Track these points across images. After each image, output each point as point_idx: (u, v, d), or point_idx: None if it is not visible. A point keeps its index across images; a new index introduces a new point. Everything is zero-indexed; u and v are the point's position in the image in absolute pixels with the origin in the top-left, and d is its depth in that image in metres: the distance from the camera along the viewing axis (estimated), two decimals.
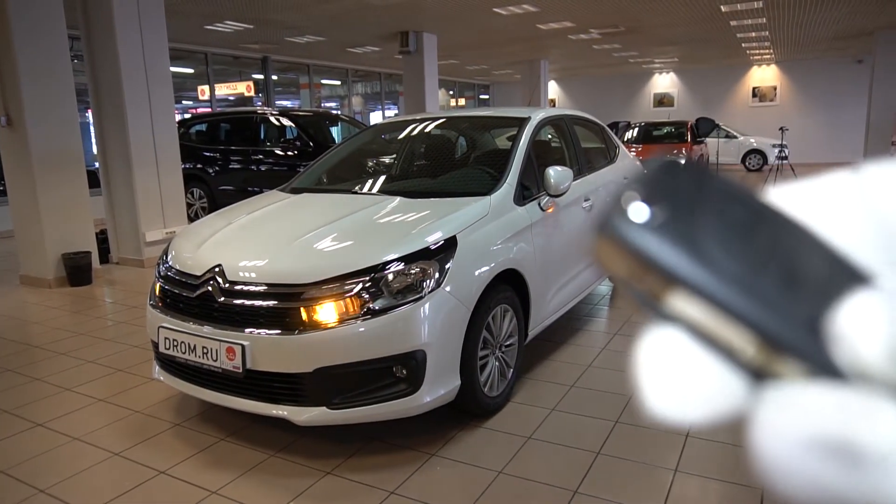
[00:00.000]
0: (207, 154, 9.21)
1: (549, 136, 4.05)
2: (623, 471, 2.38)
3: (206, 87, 13.27)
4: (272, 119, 9.09)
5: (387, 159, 4.12)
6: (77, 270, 5.74)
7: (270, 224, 2.93)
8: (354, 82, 17.85)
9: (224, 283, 2.49)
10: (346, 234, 2.63)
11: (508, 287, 2.91)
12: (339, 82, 17.30)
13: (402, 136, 4.07)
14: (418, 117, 4.09)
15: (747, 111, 19.44)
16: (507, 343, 2.95)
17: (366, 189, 3.36)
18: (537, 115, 3.74)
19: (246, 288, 2.44)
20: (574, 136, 4.13)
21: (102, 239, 6.68)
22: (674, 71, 20.35)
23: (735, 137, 16.64)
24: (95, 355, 3.84)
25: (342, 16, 9.66)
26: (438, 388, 2.47)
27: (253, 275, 2.46)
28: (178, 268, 2.72)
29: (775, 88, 19.04)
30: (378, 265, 2.41)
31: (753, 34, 12.74)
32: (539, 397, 3.05)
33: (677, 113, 19.89)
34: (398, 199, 3.07)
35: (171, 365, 2.68)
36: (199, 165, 9.19)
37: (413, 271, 2.43)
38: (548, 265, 3.28)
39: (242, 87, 15.22)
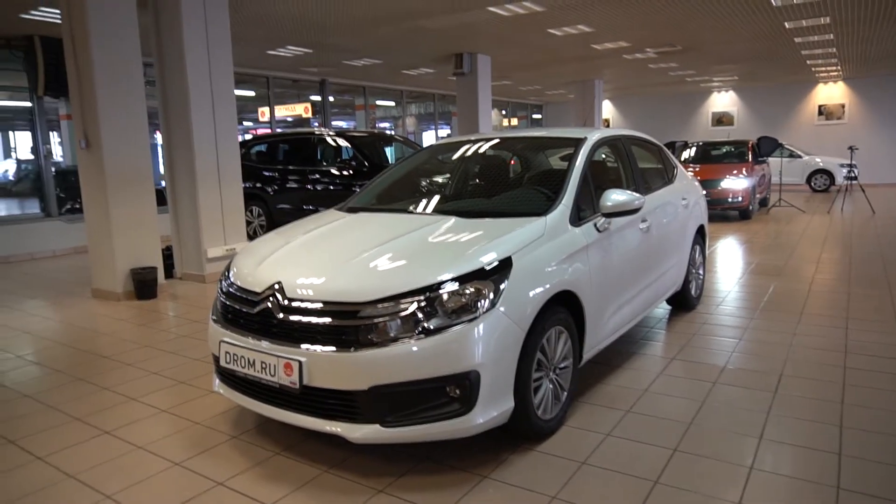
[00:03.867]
0: (266, 174, 9.52)
1: (604, 157, 4.01)
2: (682, 502, 2.29)
3: (266, 109, 13.78)
4: (329, 140, 9.33)
5: (441, 179, 4.16)
6: (143, 285, 6.00)
7: (328, 243, 3.00)
8: (408, 103, 18.16)
9: (283, 300, 2.55)
10: (401, 254, 2.66)
11: (563, 309, 2.87)
12: (393, 103, 17.63)
13: (456, 156, 4.11)
14: (473, 138, 4.12)
15: (812, 130, 18.74)
16: (562, 366, 2.91)
17: (421, 209, 3.40)
18: (593, 136, 3.72)
19: (304, 305, 2.49)
20: (631, 156, 4.07)
21: (168, 255, 6.97)
22: (733, 89, 19.86)
23: (799, 157, 16.05)
24: (159, 367, 3.99)
25: (397, 39, 9.88)
26: (491, 409, 2.45)
27: (311, 292, 2.51)
28: (239, 284, 2.80)
29: (843, 106, 18.29)
30: (433, 285, 2.42)
31: (819, 51, 12.31)
32: (594, 422, 2.98)
33: (737, 132, 19.36)
34: (453, 218, 3.09)
35: (231, 379, 2.75)
36: (258, 185, 9.51)
37: (468, 291, 2.44)
38: (604, 287, 3.23)
39: (300, 109, 15.73)
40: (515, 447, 2.74)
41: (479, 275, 2.49)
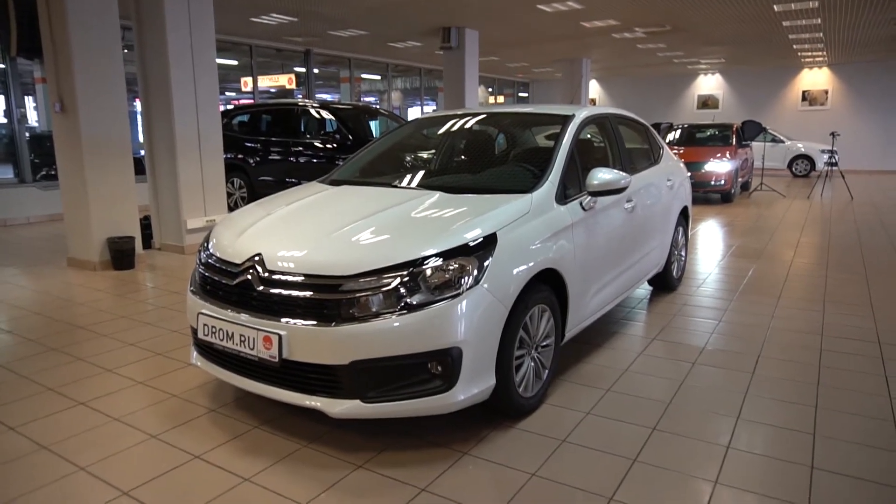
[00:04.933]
0: (248, 145, 9.34)
1: (591, 135, 3.98)
2: (660, 480, 2.31)
3: (248, 79, 13.49)
4: (312, 112, 9.16)
5: (426, 154, 4.10)
6: (121, 255, 5.89)
7: (310, 215, 2.94)
8: (394, 77, 17.91)
9: (263, 273, 2.50)
10: (384, 228, 2.62)
11: (547, 287, 2.86)
12: (378, 77, 17.38)
13: (442, 131, 4.05)
14: (459, 112, 4.06)
15: (796, 115, 18.87)
16: (544, 344, 2.91)
17: (405, 183, 3.35)
18: (581, 114, 3.68)
19: (284, 278, 2.45)
20: (618, 135, 4.04)
21: (146, 225, 6.84)
22: (719, 72, 19.88)
23: (782, 142, 16.18)
24: (136, 338, 3.92)
25: (384, 9, 9.69)
26: (473, 386, 2.44)
27: (291, 265, 2.46)
28: (218, 255, 2.74)
29: (826, 92, 18.42)
30: (416, 260, 2.39)
31: (806, 35, 12.34)
32: (574, 400, 3.00)
33: (722, 115, 19.44)
34: (438, 194, 3.05)
35: (209, 351, 2.71)
36: (239, 156, 9.34)
37: (451, 267, 2.41)
38: (588, 266, 3.22)
39: (284, 80, 15.44)
40: (496, 424, 2.75)
41: (463, 251, 2.46)
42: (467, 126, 4.03)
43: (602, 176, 3.16)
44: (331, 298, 2.35)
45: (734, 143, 11.25)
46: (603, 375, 3.30)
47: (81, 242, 5.96)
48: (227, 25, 10.83)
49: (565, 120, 3.55)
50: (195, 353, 2.84)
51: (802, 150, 16.07)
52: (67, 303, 4.78)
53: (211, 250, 2.83)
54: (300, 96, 14.57)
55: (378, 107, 15.54)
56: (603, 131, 4.01)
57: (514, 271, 2.59)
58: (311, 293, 2.39)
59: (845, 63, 17.80)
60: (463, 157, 3.91)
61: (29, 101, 10.18)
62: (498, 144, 3.87)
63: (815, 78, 18.54)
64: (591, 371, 3.36)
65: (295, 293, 2.41)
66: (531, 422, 2.78)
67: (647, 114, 19.03)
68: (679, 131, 12.17)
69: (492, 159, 3.67)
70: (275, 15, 10.01)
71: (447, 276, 2.39)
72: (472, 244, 2.49)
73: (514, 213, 2.77)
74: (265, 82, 15.44)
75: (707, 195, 11.31)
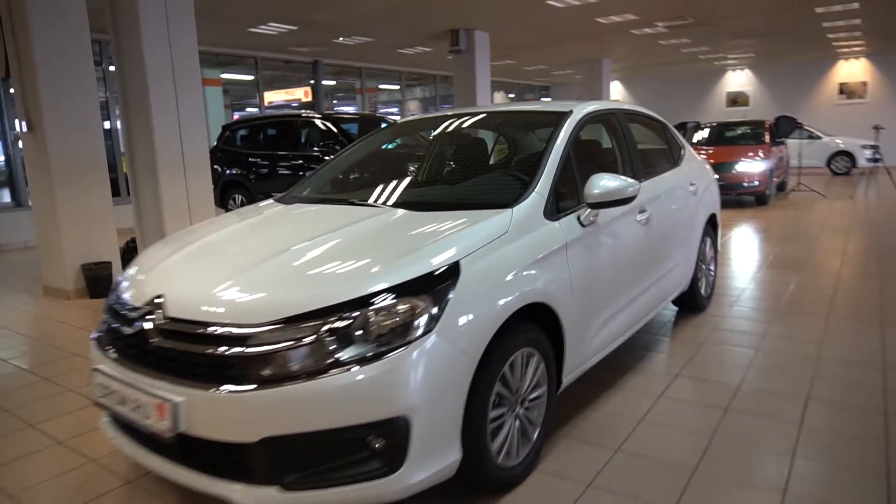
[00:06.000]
0: (249, 159, 8.95)
1: (595, 135, 3.38)
2: None
3: (265, 94, 13.22)
4: (314, 123, 8.72)
5: (400, 163, 3.56)
6: (96, 282, 5.47)
7: (239, 242, 2.41)
8: (410, 86, 17.50)
9: (162, 319, 1.97)
10: (316, 260, 2.07)
11: (534, 325, 2.28)
12: (396, 87, 16.96)
13: (421, 136, 3.50)
14: (441, 115, 3.50)
15: (832, 110, 17.84)
16: (533, 396, 2.32)
17: (368, 199, 2.79)
18: (582, 110, 3.09)
19: (184, 327, 1.91)
20: (628, 134, 3.44)
21: (133, 248, 6.43)
22: (749, 67, 18.95)
23: (819, 138, 15.19)
24: (78, 382, 3.44)
25: (386, 13, 9.21)
26: (430, 464, 1.87)
27: (193, 309, 1.93)
28: (119, 295, 2.22)
29: (865, 84, 17.36)
30: (349, 302, 1.83)
31: (842, 23, 11.47)
32: (573, 465, 2.39)
33: (753, 112, 18.49)
34: (401, 212, 2.49)
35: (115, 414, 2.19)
36: (240, 171, 8.95)
37: (397, 310, 1.84)
38: (590, 295, 2.62)
39: (300, 93, 15.16)
40: (474, 499, 2.16)
41: (413, 287, 1.89)
42: (449, 130, 3.46)
43: (604, 184, 2.56)
44: (236, 355, 1.80)
45: (767, 140, 10.45)
46: (612, 428, 2.68)
47: (55, 269, 5.56)
48: (228, 38, 10.49)
49: (560, 117, 2.96)
50: (105, 416, 2.32)
51: (842, 146, 15.07)
52: (22, 339, 4.34)
53: (118, 289, 2.32)
54: (294, 107, 14.25)
55: (394, 116, 15.14)
56: (610, 130, 3.41)
57: (486, 309, 2.01)
58: (214, 347, 1.84)
59: (885, 53, 16.74)
60: (441, 165, 3.34)
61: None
62: (483, 150, 3.29)
63: (853, 69, 17.50)
64: (597, 422, 2.74)
65: (195, 347, 1.88)
66: (516, 497, 2.18)
67: (673, 114, 18.21)
68: (707, 130, 11.40)
69: (473, 168, 3.09)
70: (273, 24, 9.62)
71: (391, 321, 1.83)
72: (425, 278, 1.93)
73: (487, 234, 2.20)
74: (281, 96, 15.19)
75: (740, 198, 10.52)
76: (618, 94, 21.36)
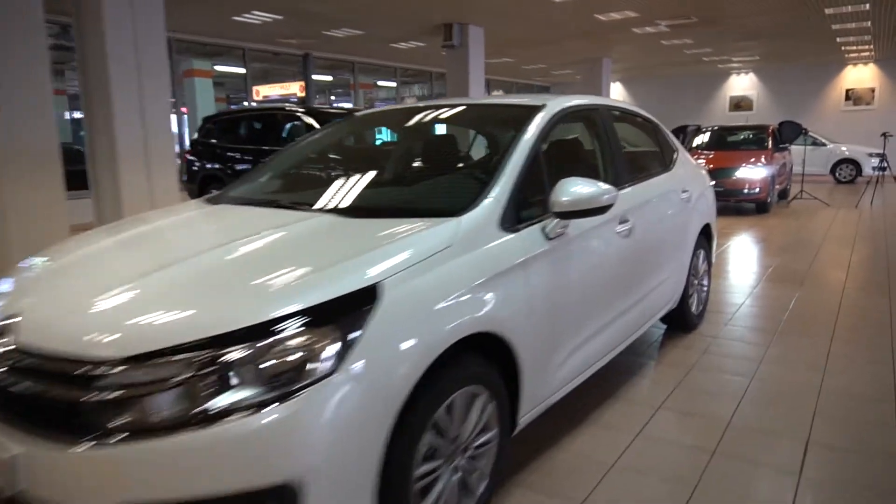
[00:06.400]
0: (227, 154, 8.57)
1: (571, 135, 2.99)
2: None
3: (259, 88, 12.86)
4: (296, 117, 8.35)
5: (347, 161, 3.17)
6: None
7: (127, 253, 2.04)
8: (407, 83, 17.14)
9: (11, 349, 1.59)
10: (205, 277, 1.68)
11: (481, 358, 1.90)
12: (392, 84, 16.60)
13: (375, 131, 3.11)
14: (400, 108, 3.11)
15: (839, 116, 17.43)
16: (479, 443, 1.93)
17: (299, 201, 2.39)
18: (556, 105, 2.70)
19: (31, 361, 1.53)
20: (611, 134, 3.05)
21: None
22: (753, 71, 18.55)
23: (824, 145, 14.79)
24: None
25: (376, 4, 8.83)
26: None
27: (41, 339, 1.55)
28: None
29: (873, 90, 16.95)
30: (230, 333, 1.45)
31: (852, 25, 11.08)
32: None
33: (756, 117, 18.10)
34: (329, 219, 2.11)
35: None
36: (216, 165, 8.58)
37: (291, 344, 1.46)
38: (555, 319, 2.23)
39: (296, 87, 14.81)
40: None
41: (315, 315, 1.51)
42: (407, 125, 3.07)
43: (574, 190, 2.18)
44: (84, 399, 1.42)
45: (770, 146, 10.05)
46: (578, 474, 2.30)
47: (2, 268, 5.18)
48: (213, 27, 10.10)
49: (530, 112, 2.57)
50: None
51: (847, 153, 14.66)
52: None
53: None
54: (293, 101, 13.89)
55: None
56: (590, 128, 3.03)
57: (414, 342, 1.63)
58: (60, 388, 1.46)
59: (894, 58, 16.33)
60: (394, 165, 2.94)
61: None
62: (441, 148, 2.90)
63: (860, 75, 17.10)
64: (561, 466, 2.36)
65: (40, 387, 1.50)
66: None
67: (674, 117, 17.82)
68: (708, 134, 11.01)
69: (429, 168, 2.70)
70: (257, 13, 9.24)
71: (281, 359, 1.45)
72: (332, 304, 1.54)
73: (424, 248, 1.81)
74: (276, 90, 14.82)
75: (740, 205, 10.13)
76: (619, 95, 20.96)
